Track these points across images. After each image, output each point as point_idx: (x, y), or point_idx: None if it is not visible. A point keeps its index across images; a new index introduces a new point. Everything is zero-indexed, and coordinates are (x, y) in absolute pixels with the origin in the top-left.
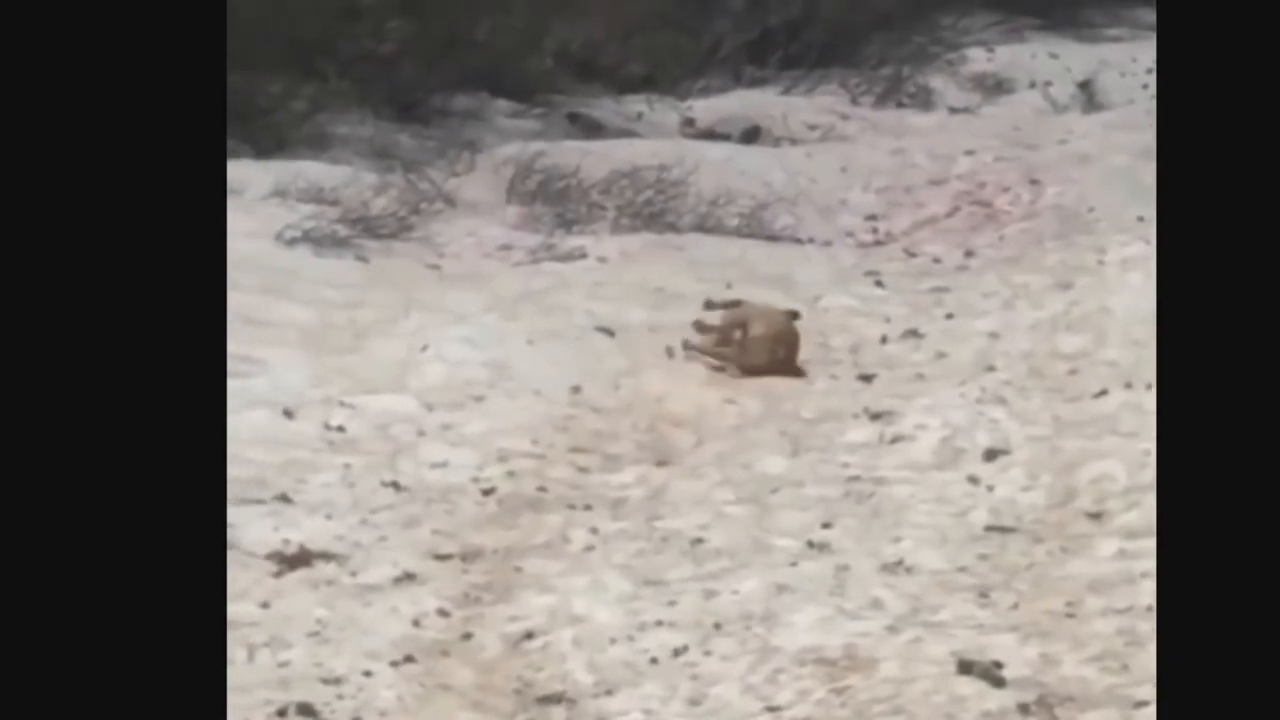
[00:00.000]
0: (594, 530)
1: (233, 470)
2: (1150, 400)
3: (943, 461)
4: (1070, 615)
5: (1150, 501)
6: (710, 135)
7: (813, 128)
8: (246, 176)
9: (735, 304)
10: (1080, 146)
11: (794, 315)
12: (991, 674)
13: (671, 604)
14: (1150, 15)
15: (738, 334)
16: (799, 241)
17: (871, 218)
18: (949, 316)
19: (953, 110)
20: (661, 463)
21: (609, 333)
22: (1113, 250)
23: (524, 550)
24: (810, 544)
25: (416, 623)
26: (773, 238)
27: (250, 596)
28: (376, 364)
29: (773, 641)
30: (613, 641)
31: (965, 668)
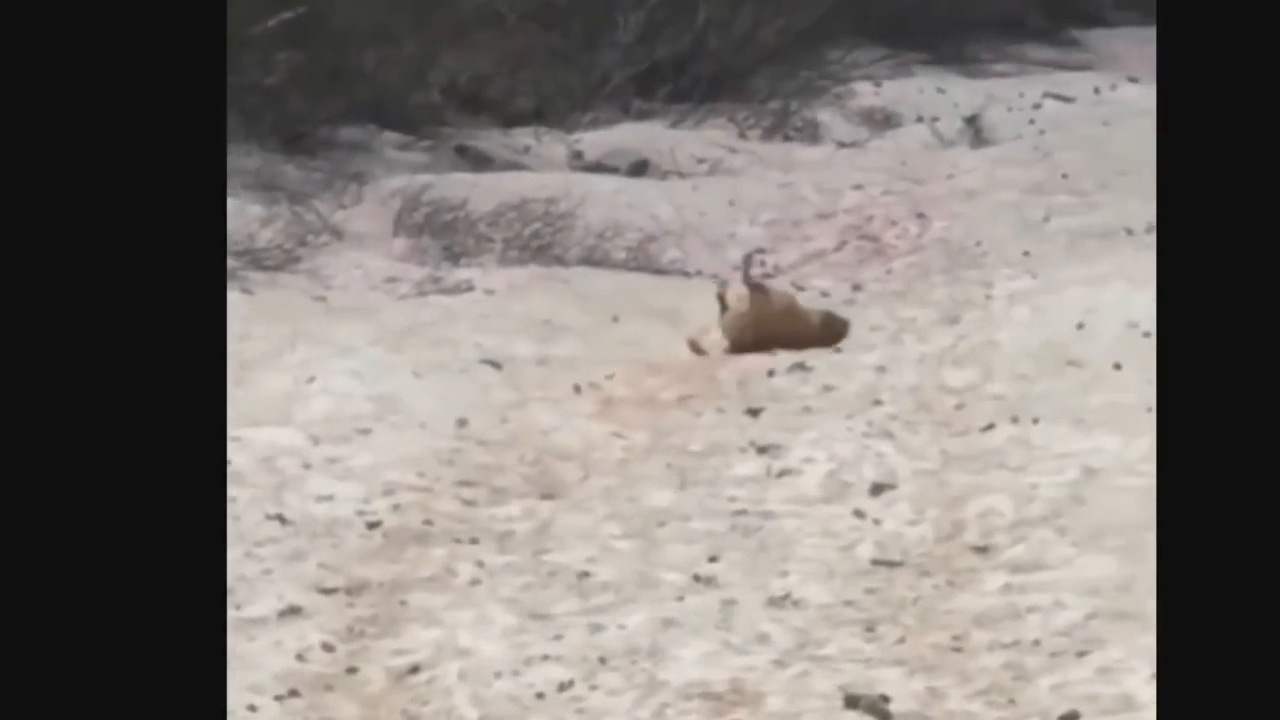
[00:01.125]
0: (480, 564)
1: None
2: (1037, 434)
3: (829, 495)
4: (957, 649)
5: (1038, 535)
6: (598, 168)
7: (701, 161)
8: None
9: (760, 286)
10: (967, 181)
11: (826, 316)
12: (878, 708)
13: (558, 638)
14: (1038, 51)
15: (728, 306)
16: (687, 275)
17: (759, 251)
18: (836, 350)
19: (840, 144)
20: (548, 496)
21: (496, 365)
22: (999, 284)
23: (409, 584)
24: (697, 578)
25: (301, 657)
26: (660, 271)
27: None
28: (262, 396)
29: (659, 675)
30: (498, 676)
31: (852, 702)
